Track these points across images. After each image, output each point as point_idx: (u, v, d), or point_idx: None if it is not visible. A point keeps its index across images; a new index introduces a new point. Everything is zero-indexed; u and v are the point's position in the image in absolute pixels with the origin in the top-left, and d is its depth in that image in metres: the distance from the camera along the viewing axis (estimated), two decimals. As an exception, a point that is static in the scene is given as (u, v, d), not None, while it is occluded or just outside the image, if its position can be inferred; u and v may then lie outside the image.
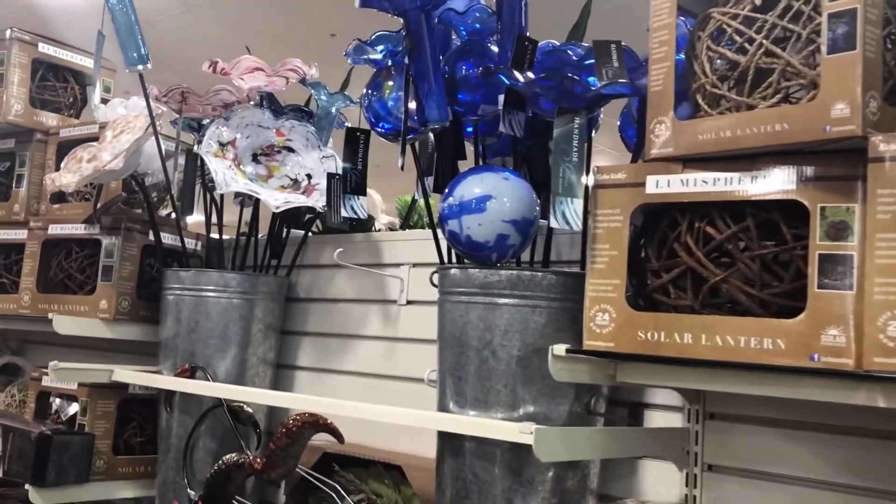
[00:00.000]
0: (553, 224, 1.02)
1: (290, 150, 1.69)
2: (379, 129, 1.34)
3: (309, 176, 1.67)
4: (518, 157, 1.39)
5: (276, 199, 1.57)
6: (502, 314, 1.19)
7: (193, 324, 1.70)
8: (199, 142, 1.64)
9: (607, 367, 1.06)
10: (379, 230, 1.95)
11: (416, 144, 1.46)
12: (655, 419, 1.31)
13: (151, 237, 1.86)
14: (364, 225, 1.93)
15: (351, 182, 1.35)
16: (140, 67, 1.58)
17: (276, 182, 1.66)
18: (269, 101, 1.74)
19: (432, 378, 1.36)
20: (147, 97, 1.62)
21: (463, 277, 1.23)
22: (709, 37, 0.98)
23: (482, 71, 1.15)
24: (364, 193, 1.38)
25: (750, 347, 0.90)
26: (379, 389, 1.71)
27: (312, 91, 1.74)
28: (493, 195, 1.15)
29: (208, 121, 1.70)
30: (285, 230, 1.83)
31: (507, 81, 1.11)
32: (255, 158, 1.67)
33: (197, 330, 1.71)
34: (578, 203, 1.01)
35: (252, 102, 1.70)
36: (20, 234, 2.03)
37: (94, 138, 1.95)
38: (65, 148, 2.06)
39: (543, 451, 0.96)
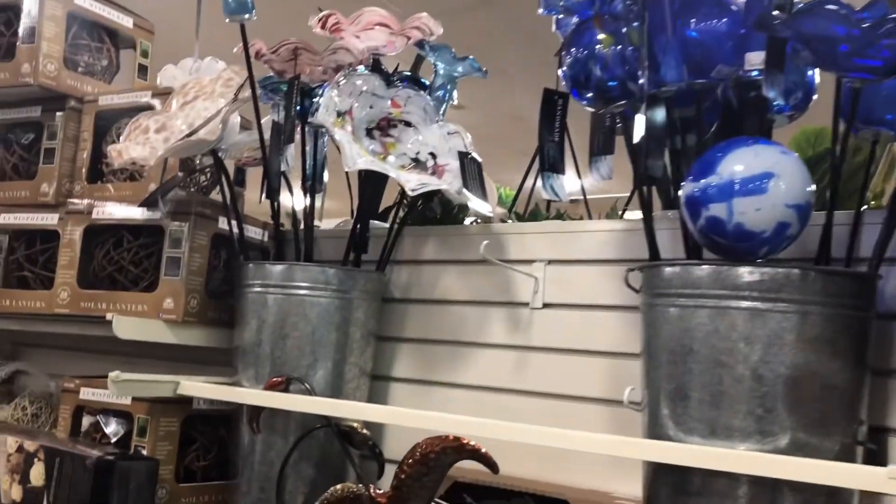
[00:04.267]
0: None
1: (408, 123, 1.43)
2: (588, 93, 1.09)
3: (433, 154, 1.41)
4: (718, 135, 1.17)
5: (409, 180, 1.31)
6: (765, 323, 0.97)
7: (289, 328, 1.43)
8: (312, 110, 1.38)
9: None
10: (472, 223, 1.71)
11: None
12: (901, 446, 1.11)
13: (222, 224, 1.58)
14: (456, 217, 1.69)
15: (548, 157, 1.10)
16: (245, 17, 1.30)
17: (395, 161, 1.39)
18: (376, 66, 1.47)
19: (633, 399, 1.13)
20: (248, 55, 1.34)
21: (703, 277, 1.00)
22: None
23: (757, 20, 0.92)
24: (563, 172, 1.13)
25: None
26: (503, 405, 1.46)
27: (431, 56, 1.48)
28: (775, 172, 0.92)
29: (315, 86, 1.43)
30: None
31: (827, 30, 0.88)
32: (369, 133, 1.40)
33: (291, 335, 1.43)
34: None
35: (362, 66, 1.43)
36: (49, 219, 1.71)
37: (142, 108, 1.65)
38: (102, 119, 1.75)
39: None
